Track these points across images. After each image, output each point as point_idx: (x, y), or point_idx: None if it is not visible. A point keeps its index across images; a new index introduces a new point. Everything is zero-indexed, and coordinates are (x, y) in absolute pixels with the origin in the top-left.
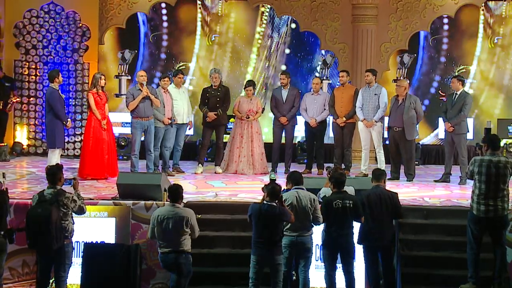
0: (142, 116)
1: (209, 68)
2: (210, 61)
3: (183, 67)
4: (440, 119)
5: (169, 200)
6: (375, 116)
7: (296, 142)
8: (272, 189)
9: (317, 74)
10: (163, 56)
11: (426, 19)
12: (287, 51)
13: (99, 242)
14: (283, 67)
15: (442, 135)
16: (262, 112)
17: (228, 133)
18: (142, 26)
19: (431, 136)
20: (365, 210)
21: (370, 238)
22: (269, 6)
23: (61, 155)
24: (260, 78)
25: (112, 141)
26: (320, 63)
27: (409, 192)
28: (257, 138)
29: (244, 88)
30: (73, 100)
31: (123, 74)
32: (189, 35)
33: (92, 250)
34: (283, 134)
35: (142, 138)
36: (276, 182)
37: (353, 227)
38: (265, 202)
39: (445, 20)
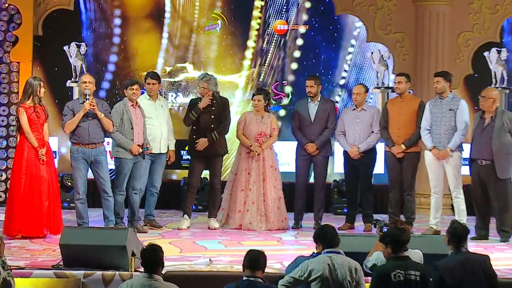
0: (86, 142)
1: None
2: (185, 54)
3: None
4: None
5: (139, 270)
6: (450, 142)
7: (332, 181)
8: (251, 256)
9: (341, 81)
10: (115, 50)
11: None
12: (300, 41)
13: None
14: (294, 66)
15: None
16: (279, 136)
17: (228, 169)
18: (83, 8)
19: None
20: None
21: None
22: None
23: None
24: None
25: (54, 180)
26: (349, 58)
27: (504, 258)
28: (272, 176)
29: (258, 100)
30: None
31: (73, 79)
32: (153, 20)
33: None
34: (312, 170)
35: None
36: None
37: None
38: (244, 277)
39: None
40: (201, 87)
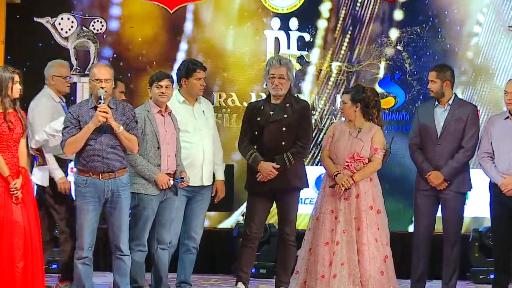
0: (98, 169)
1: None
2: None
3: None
4: None
5: None
6: None
7: (471, 231)
8: None
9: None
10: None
11: None
12: (399, 15)
13: None
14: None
15: None
16: (385, 160)
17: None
18: None
19: None
20: None
21: None
22: None
23: None
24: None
25: (34, 229)
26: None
27: None
28: (372, 223)
29: (343, 101)
30: None
31: (73, 70)
32: None
33: None
34: (439, 213)
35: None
36: None
37: None
38: None
39: None
40: (278, 75)
